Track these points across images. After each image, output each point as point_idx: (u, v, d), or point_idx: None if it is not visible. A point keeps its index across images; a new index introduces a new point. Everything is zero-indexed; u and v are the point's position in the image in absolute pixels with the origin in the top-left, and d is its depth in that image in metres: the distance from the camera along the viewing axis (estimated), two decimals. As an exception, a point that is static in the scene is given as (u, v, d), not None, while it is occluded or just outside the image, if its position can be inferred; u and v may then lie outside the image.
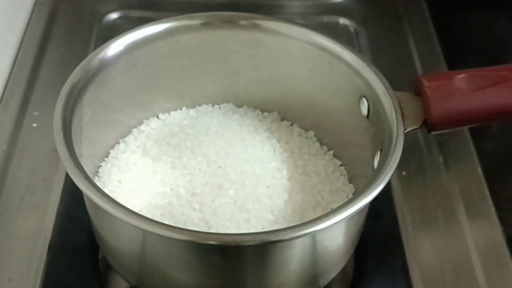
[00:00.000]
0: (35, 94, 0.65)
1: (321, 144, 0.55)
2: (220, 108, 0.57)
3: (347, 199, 0.42)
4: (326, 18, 0.77)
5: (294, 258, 0.42)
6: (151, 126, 0.55)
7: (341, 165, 0.54)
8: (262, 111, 0.57)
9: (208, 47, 0.53)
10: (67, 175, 0.57)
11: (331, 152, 0.55)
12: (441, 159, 0.62)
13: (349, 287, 0.52)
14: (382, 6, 0.79)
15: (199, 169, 0.51)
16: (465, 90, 0.46)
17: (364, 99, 0.49)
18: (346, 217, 0.40)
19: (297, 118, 0.57)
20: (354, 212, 0.40)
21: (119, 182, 0.51)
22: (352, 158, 0.53)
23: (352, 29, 0.76)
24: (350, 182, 0.53)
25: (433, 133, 0.47)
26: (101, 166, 0.53)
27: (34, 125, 0.63)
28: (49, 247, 0.53)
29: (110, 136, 0.54)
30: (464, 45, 0.75)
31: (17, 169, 0.59)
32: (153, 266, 0.44)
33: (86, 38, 0.72)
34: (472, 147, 0.63)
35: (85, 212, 0.47)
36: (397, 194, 0.58)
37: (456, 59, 0.72)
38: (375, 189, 0.41)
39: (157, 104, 0.56)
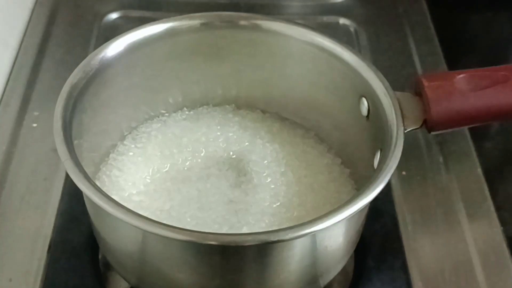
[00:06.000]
0: (35, 94, 0.65)
1: (321, 144, 0.55)
2: (220, 109, 0.57)
3: (347, 199, 0.42)
4: (326, 18, 0.77)
5: (294, 258, 0.42)
6: (151, 127, 0.55)
7: (341, 164, 0.54)
8: (263, 111, 0.57)
9: (208, 47, 0.53)
10: (67, 175, 0.57)
11: (332, 152, 0.54)
12: (441, 159, 0.62)
13: (349, 287, 0.52)
14: (382, 6, 0.79)
15: (200, 171, 0.51)
16: (465, 90, 0.46)
17: (364, 99, 0.49)
18: (346, 217, 0.40)
19: (297, 118, 0.56)
20: (354, 212, 0.40)
21: (119, 182, 0.51)
22: (352, 158, 0.53)
23: (352, 29, 0.76)
24: (350, 182, 0.53)
25: (433, 133, 0.47)
26: (101, 166, 0.52)
27: (34, 125, 0.63)
28: (49, 247, 0.53)
29: (110, 136, 0.54)
30: (464, 45, 0.75)
31: (17, 169, 0.59)
32: (153, 266, 0.44)
33: (86, 38, 0.72)
34: (472, 147, 0.63)
35: (85, 212, 0.47)
36: (397, 194, 0.58)
37: (456, 59, 0.72)
38: (375, 189, 0.41)
39: (157, 105, 0.56)
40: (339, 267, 0.48)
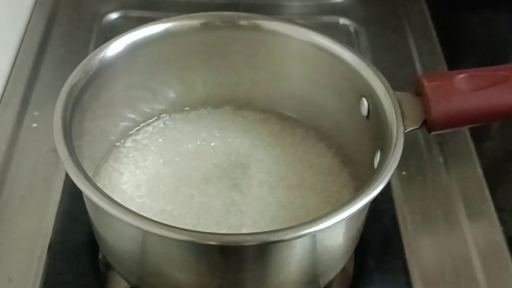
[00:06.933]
0: (35, 94, 0.65)
1: (321, 144, 0.55)
2: (221, 109, 0.57)
3: (347, 199, 0.42)
4: (326, 18, 0.77)
5: (294, 258, 0.42)
6: (151, 127, 0.55)
7: (341, 164, 0.54)
8: (264, 112, 0.57)
9: (208, 47, 0.53)
10: (67, 175, 0.57)
11: (332, 152, 0.54)
12: (441, 159, 0.62)
13: (349, 287, 0.52)
14: (382, 6, 0.79)
15: (200, 171, 0.51)
16: (465, 90, 0.46)
17: (364, 99, 0.49)
18: (346, 217, 0.40)
19: (297, 118, 0.56)
20: (354, 212, 0.40)
21: (119, 183, 0.51)
22: (352, 158, 0.53)
23: (352, 29, 0.76)
24: (350, 182, 0.53)
25: (433, 133, 0.47)
26: (101, 167, 0.52)
27: (34, 125, 0.63)
28: (49, 247, 0.53)
29: (110, 136, 0.53)
30: (464, 45, 0.75)
31: (17, 169, 0.59)
32: (153, 266, 0.44)
33: (86, 38, 0.72)
34: (472, 147, 0.63)
35: (85, 212, 0.47)
36: (397, 194, 0.58)
37: (456, 59, 0.72)
38: (375, 189, 0.41)
39: (157, 105, 0.56)
40: (339, 267, 0.48)
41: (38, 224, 0.55)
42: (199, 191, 0.50)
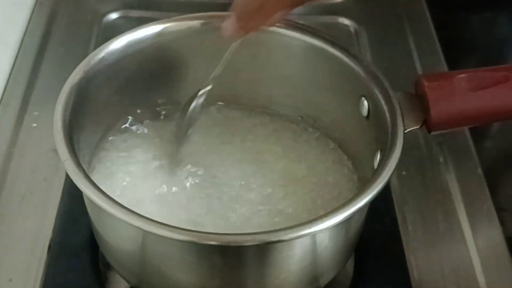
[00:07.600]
0: (35, 94, 0.66)
1: (321, 144, 0.55)
2: (221, 109, 0.57)
3: (347, 200, 0.42)
4: (326, 18, 0.77)
5: (294, 258, 0.42)
6: (152, 127, 0.55)
7: (341, 164, 0.54)
8: (264, 112, 0.57)
9: (208, 47, 0.53)
10: (67, 175, 0.56)
11: (332, 153, 0.54)
12: (441, 159, 0.62)
13: (349, 287, 0.52)
14: (382, 6, 0.79)
15: (201, 173, 0.51)
16: (465, 90, 0.46)
17: (364, 99, 0.49)
18: (346, 217, 0.40)
19: (298, 118, 0.56)
20: (354, 212, 0.40)
21: (119, 182, 0.51)
22: (352, 158, 0.53)
23: (352, 29, 0.76)
24: (349, 184, 0.53)
25: (433, 133, 0.47)
26: (100, 166, 0.52)
27: (34, 125, 0.63)
28: (49, 247, 0.53)
29: (110, 136, 0.53)
30: (464, 45, 0.75)
31: (17, 169, 0.59)
32: (153, 266, 0.44)
33: (86, 38, 0.72)
34: (472, 147, 0.63)
35: (85, 212, 0.47)
36: (397, 194, 0.58)
37: (456, 59, 0.72)
38: (375, 189, 0.41)
39: (157, 105, 0.56)
40: (339, 267, 0.48)
41: (38, 224, 0.55)
42: (199, 190, 0.50)
